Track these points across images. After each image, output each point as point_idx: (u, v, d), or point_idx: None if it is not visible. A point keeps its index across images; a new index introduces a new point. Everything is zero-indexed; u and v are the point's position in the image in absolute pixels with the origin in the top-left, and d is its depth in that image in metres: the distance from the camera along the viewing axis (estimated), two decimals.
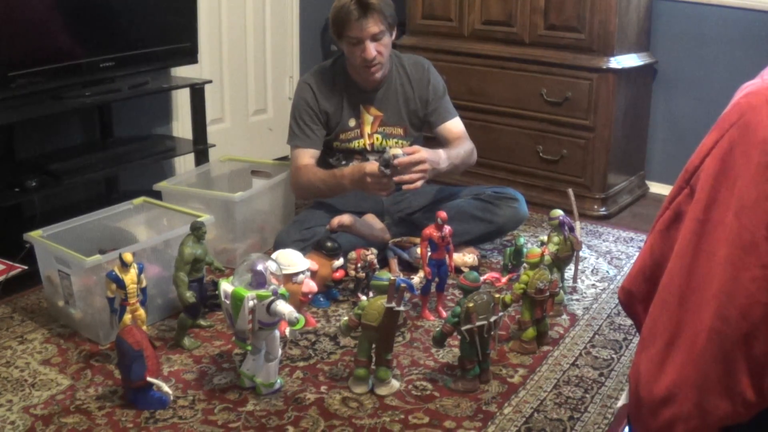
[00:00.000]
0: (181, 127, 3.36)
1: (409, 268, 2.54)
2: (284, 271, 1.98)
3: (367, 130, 2.65)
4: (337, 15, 2.45)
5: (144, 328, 1.95)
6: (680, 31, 3.35)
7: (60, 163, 2.66)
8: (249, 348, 1.83)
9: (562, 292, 2.33)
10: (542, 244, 2.36)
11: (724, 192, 1.07)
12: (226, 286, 1.82)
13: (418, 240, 2.35)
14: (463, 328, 1.84)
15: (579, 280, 2.53)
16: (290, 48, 3.92)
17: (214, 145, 3.13)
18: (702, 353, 1.07)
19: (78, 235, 2.30)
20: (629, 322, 2.21)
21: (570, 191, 2.54)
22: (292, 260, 2.09)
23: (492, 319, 1.88)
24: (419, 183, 2.38)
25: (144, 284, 1.98)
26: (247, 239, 2.64)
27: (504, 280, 2.49)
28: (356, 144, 2.65)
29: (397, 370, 1.96)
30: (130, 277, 1.92)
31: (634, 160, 3.47)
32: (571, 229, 2.33)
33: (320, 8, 3.82)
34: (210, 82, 3.14)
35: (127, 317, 1.93)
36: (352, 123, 2.64)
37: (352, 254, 2.35)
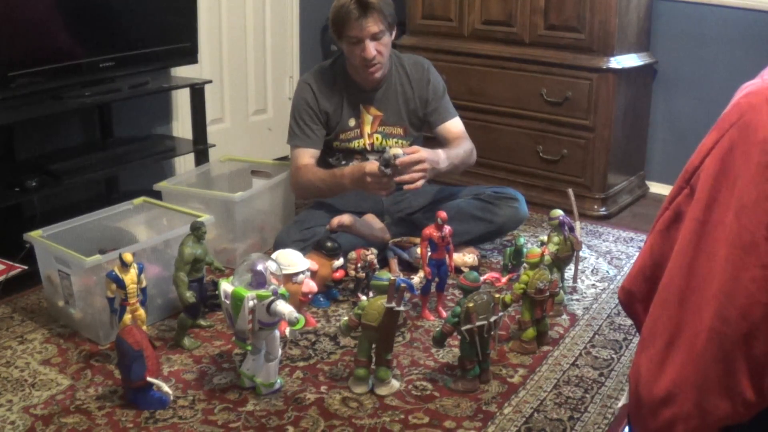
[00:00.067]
0: (181, 127, 3.36)
1: (409, 268, 2.54)
2: (284, 271, 1.98)
3: (367, 129, 2.65)
4: (337, 14, 2.45)
5: (144, 328, 1.95)
6: (680, 31, 3.35)
7: (60, 163, 2.66)
8: (249, 348, 1.83)
9: (562, 292, 2.33)
10: (542, 244, 2.36)
11: (724, 192, 1.07)
12: (226, 286, 1.82)
13: (418, 240, 2.35)
14: (463, 328, 1.84)
15: (579, 280, 2.53)
16: (290, 48, 3.92)
17: (214, 145, 3.13)
18: (702, 353, 1.07)
19: (78, 235, 2.30)
20: (629, 322, 2.21)
21: (570, 191, 2.54)
22: (292, 260, 2.09)
23: (492, 319, 1.88)
24: (420, 183, 2.38)
25: (144, 284, 1.98)
26: (247, 239, 2.64)
27: (504, 280, 2.49)
28: (356, 144, 2.65)
29: (397, 370, 1.96)
30: (130, 277, 1.92)
31: (634, 160, 3.47)
32: (571, 229, 2.33)
33: (320, 8, 3.82)
34: (210, 82, 3.14)
35: (127, 317, 1.93)
36: (351, 123, 2.64)
37: (352, 254, 2.35)
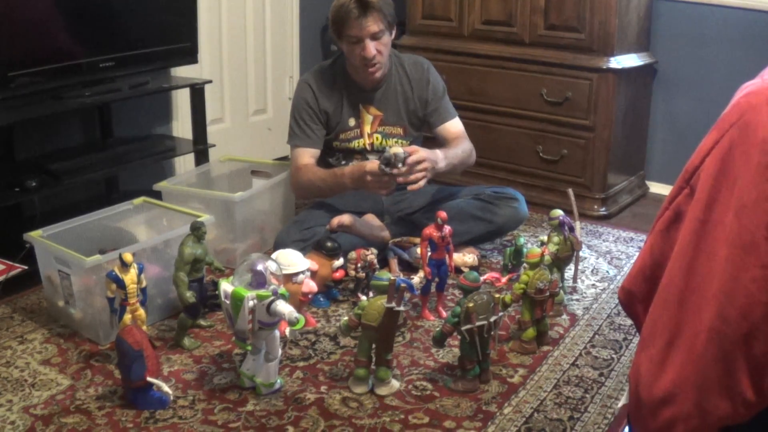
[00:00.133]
0: (181, 127, 3.36)
1: (409, 268, 2.54)
2: (284, 271, 1.98)
3: (367, 129, 2.65)
4: (337, 14, 2.45)
5: (144, 328, 1.95)
6: (680, 31, 3.35)
7: (60, 163, 2.66)
8: (249, 348, 1.83)
9: (562, 292, 2.33)
10: (542, 244, 2.36)
11: (724, 192, 1.07)
12: (226, 286, 1.82)
13: (418, 240, 2.35)
14: (463, 328, 1.84)
15: (579, 280, 2.53)
16: (290, 48, 3.92)
17: (214, 145, 3.13)
18: (702, 353, 1.07)
19: (78, 235, 2.30)
20: (629, 322, 2.21)
21: (570, 191, 2.54)
22: (292, 260, 2.09)
23: (492, 319, 1.88)
24: (422, 183, 2.39)
25: (144, 284, 1.98)
26: (247, 239, 2.64)
27: (504, 280, 2.49)
28: (356, 144, 2.65)
29: (397, 370, 1.96)
30: (130, 277, 1.92)
31: (634, 160, 3.47)
32: (571, 229, 2.33)
33: (320, 8, 3.82)
34: (210, 82, 3.14)
35: (127, 317, 1.93)
36: (351, 122, 2.64)
37: (352, 254, 2.35)
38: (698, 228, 1.10)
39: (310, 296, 2.11)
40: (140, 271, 1.96)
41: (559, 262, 2.30)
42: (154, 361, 1.78)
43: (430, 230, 2.20)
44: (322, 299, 2.33)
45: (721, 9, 3.22)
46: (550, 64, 3.21)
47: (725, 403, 1.07)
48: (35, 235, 2.19)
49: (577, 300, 2.41)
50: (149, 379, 1.75)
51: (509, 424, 1.76)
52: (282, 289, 1.82)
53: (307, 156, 2.60)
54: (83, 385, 1.89)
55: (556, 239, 2.29)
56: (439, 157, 2.46)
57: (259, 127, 3.84)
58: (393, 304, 1.78)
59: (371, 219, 2.57)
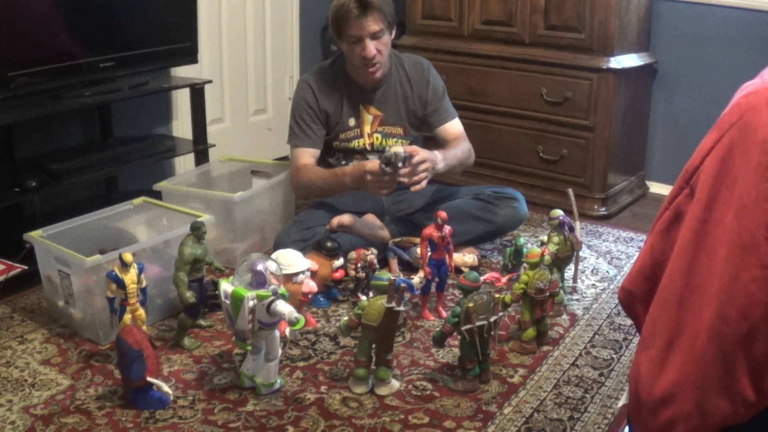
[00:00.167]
0: (181, 127, 3.36)
1: (409, 268, 2.54)
2: (284, 271, 1.98)
3: (367, 129, 2.65)
4: (337, 13, 2.45)
5: (144, 328, 1.95)
6: (680, 31, 3.35)
7: (60, 163, 2.66)
8: (249, 348, 1.83)
9: (562, 292, 2.33)
10: (542, 244, 2.36)
11: (724, 192, 1.07)
12: (226, 286, 1.82)
13: (418, 240, 2.35)
14: (463, 328, 1.84)
15: (579, 280, 2.53)
16: (290, 48, 3.92)
17: (214, 145, 3.13)
18: (702, 353, 1.07)
19: (78, 235, 2.30)
20: (629, 322, 2.21)
21: (570, 191, 2.54)
22: (292, 260, 2.09)
23: (492, 319, 1.88)
24: (424, 183, 2.39)
25: (144, 284, 1.98)
26: (247, 239, 2.64)
27: (504, 280, 2.49)
28: (356, 143, 2.65)
29: (397, 370, 1.96)
30: (130, 277, 1.92)
31: (634, 160, 3.47)
32: (571, 229, 2.33)
33: (320, 8, 3.82)
34: (210, 82, 3.14)
35: (127, 317, 1.93)
36: (351, 122, 2.64)
37: (352, 254, 2.35)
38: (698, 228, 1.10)
39: (310, 296, 2.11)
40: (140, 271, 1.96)
41: (559, 262, 2.30)
42: (154, 361, 1.78)
43: (430, 230, 2.20)
44: (322, 299, 2.33)
45: (721, 9, 3.22)
46: (550, 64, 3.21)
47: (725, 403, 1.07)
48: (35, 235, 2.19)
49: (577, 300, 2.41)
50: (149, 379, 1.75)
51: (509, 424, 1.76)
52: (282, 289, 1.82)
53: (308, 156, 2.60)
54: (83, 385, 1.89)
55: (556, 239, 2.29)
56: (438, 158, 2.46)
57: (259, 127, 3.84)
58: (393, 304, 1.78)
59: (371, 219, 2.57)
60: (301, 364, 2.00)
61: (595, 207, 3.21)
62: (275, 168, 2.94)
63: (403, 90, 2.66)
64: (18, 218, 2.67)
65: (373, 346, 1.86)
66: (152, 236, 2.42)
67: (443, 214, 2.19)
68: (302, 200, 2.92)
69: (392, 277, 1.82)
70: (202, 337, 2.13)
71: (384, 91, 2.64)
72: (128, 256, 1.92)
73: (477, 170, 3.37)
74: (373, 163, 2.38)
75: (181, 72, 3.17)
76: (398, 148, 2.37)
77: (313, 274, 2.17)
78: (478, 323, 1.84)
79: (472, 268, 2.51)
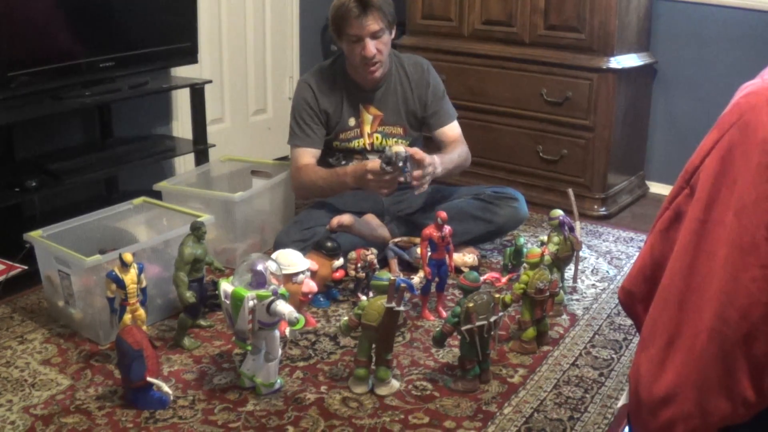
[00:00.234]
0: (181, 127, 3.36)
1: (409, 268, 2.54)
2: (284, 271, 1.98)
3: (367, 129, 2.65)
4: (337, 13, 2.45)
5: (144, 328, 1.95)
6: (680, 31, 3.35)
7: (60, 163, 2.66)
8: (249, 348, 1.83)
9: (562, 292, 2.33)
10: (542, 244, 2.36)
11: (724, 192, 1.07)
12: (226, 286, 1.82)
13: (418, 240, 2.35)
14: (463, 328, 1.84)
15: (579, 280, 2.53)
16: (290, 48, 3.92)
17: (214, 145, 3.13)
18: (702, 353, 1.07)
19: (78, 235, 2.30)
20: (629, 322, 2.21)
21: (570, 191, 2.54)
22: (292, 260, 2.09)
23: (492, 319, 1.88)
24: (425, 186, 2.41)
25: (144, 284, 1.98)
26: (247, 239, 2.64)
27: (504, 280, 2.49)
28: (356, 143, 2.65)
29: (397, 370, 1.96)
30: (130, 277, 1.92)
31: (634, 160, 3.47)
32: (571, 229, 2.33)
33: (320, 8, 3.82)
34: (210, 82, 3.14)
35: (127, 317, 1.93)
36: (351, 122, 2.64)
37: (352, 254, 2.35)
38: (698, 228, 1.10)
39: (310, 296, 2.11)
40: (140, 271, 1.96)
41: (559, 262, 2.30)
42: (154, 361, 1.78)
43: (430, 230, 2.20)
44: (322, 299, 2.33)
45: (721, 9, 3.22)
46: (550, 64, 3.21)
47: (725, 403, 1.07)
48: (35, 235, 2.19)
49: (577, 300, 2.41)
50: (149, 379, 1.75)
51: (509, 424, 1.76)
52: (282, 289, 1.82)
53: (308, 156, 2.60)
54: (83, 385, 1.89)
55: (556, 239, 2.29)
56: (437, 162, 2.47)
57: (259, 127, 3.84)
58: (393, 304, 1.78)
59: (371, 219, 2.57)
60: (301, 364, 2.00)
61: (595, 207, 3.21)
62: (275, 168, 2.94)
63: (403, 90, 2.66)
64: (18, 218, 2.67)
65: (373, 346, 1.86)
66: (152, 236, 2.42)
67: (443, 214, 2.19)
68: (302, 200, 2.92)
69: (392, 277, 1.82)
70: (202, 337, 2.13)
71: (384, 91, 2.64)
72: (128, 256, 1.92)
73: (477, 170, 3.37)
74: (374, 162, 2.38)
75: (181, 72, 3.17)
76: (399, 147, 2.38)
77: (313, 274, 2.17)
78: (478, 323, 1.84)
79: (472, 268, 2.51)
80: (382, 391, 1.86)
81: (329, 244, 2.29)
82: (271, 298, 1.75)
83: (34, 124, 2.79)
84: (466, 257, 2.55)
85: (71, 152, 2.85)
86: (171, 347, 2.08)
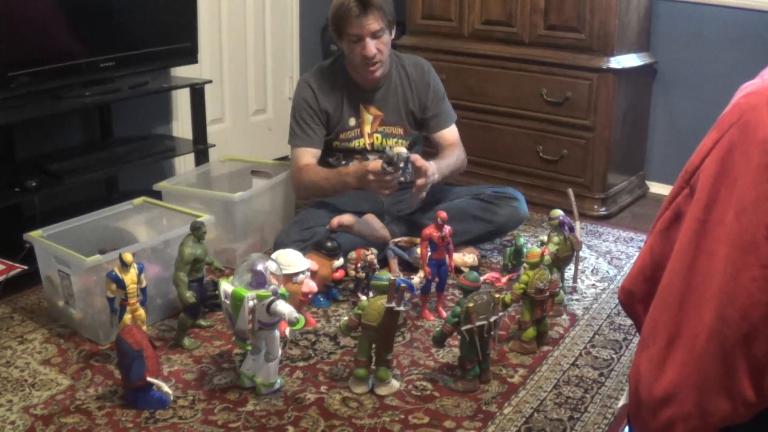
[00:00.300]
0: (181, 127, 3.36)
1: (409, 268, 2.54)
2: (284, 271, 1.98)
3: (367, 129, 2.65)
4: (337, 12, 2.45)
5: (144, 328, 1.95)
6: (680, 31, 3.35)
7: (60, 163, 2.66)
8: (249, 348, 1.83)
9: (562, 292, 2.33)
10: (542, 244, 2.36)
11: (724, 192, 1.07)
12: (226, 286, 1.82)
13: (418, 240, 2.35)
14: (463, 328, 1.84)
15: (579, 280, 2.53)
16: (290, 48, 3.92)
17: (214, 145, 3.13)
18: (702, 353, 1.07)
19: (78, 235, 2.30)
20: (629, 322, 2.21)
21: (570, 191, 2.54)
22: (292, 260, 2.09)
23: (492, 319, 1.88)
24: (424, 195, 2.44)
25: (144, 284, 1.98)
26: (247, 239, 2.64)
27: (504, 280, 2.49)
28: (356, 143, 2.65)
29: (397, 370, 1.96)
30: (130, 277, 1.92)
31: (634, 160, 3.47)
32: (571, 229, 2.33)
33: (320, 8, 3.82)
34: (210, 82, 3.14)
35: (127, 317, 1.93)
36: (352, 122, 2.64)
37: (352, 254, 2.35)
38: (698, 228, 1.10)
39: (310, 296, 2.11)
40: (140, 271, 1.96)
41: (559, 262, 2.30)
42: (154, 361, 1.78)
43: (430, 230, 2.20)
44: (322, 299, 2.33)
45: (721, 9, 3.22)
46: (550, 64, 3.21)
47: (725, 403, 1.07)
48: (35, 235, 2.19)
49: (577, 300, 2.41)
50: (149, 379, 1.75)
51: (509, 424, 1.76)
52: (282, 289, 1.82)
53: (308, 156, 2.60)
54: (83, 385, 1.89)
55: (556, 239, 2.29)
56: (433, 168, 2.48)
57: (259, 127, 3.84)
58: (393, 304, 1.78)
59: (371, 219, 2.57)
60: (301, 364, 2.00)
61: (595, 207, 3.21)
62: (275, 168, 2.94)
63: (404, 90, 2.66)
64: (18, 218, 2.67)
65: (373, 346, 1.86)
66: (152, 236, 2.42)
67: (443, 214, 2.19)
68: (302, 200, 2.92)
69: (392, 277, 1.82)
70: (202, 337, 2.13)
71: (384, 91, 2.64)
72: (128, 256, 1.92)
73: (477, 170, 3.37)
74: (375, 163, 2.38)
75: (181, 72, 3.17)
76: (401, 148, 2.38)
77: (313, 274, 2.17)
78: (478, 323, 1.84)
79: (472, 268, 2.51)
80: (382, 391, 1.86)
81: (329, 244, 2.29)
82: (271, 298, 1.75)
83: (34, 124, 2.79)
84: (466, 257, 2.55)
85: (71, 152, 2.85)
86: (171, 347, 2.08)
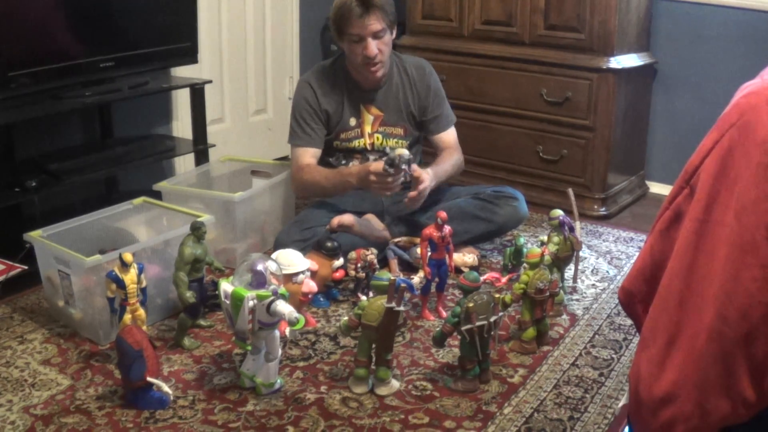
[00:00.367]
0: (181, 127, 3.36)
1: (409, 268, 2.54)
2: (284, 271, 1.98)
3: (368, 129, 2.65)
4: (339, 12, 2.45)
5: (144, 328, 1.95)
6: (680, 31, 3.35)
7: (60, 163, 2.66)
8: (249, 348, 1.83)
9: (562, 292, 2.33)
10: (542, 244, 2.36)
11: (724, 192, 1.08)
12: (226, 286, 1.82)
13: (418, 240, 2.35)
14: (463, 328, 1.84)
15: (579, 280, 2.53)
16: (290, 48, 3.92)
17: (214, 145, 3.13)
18: (702, 353, 1.07)
19: (78, 235, 2.30)
20: (629, 322, 2.21)
21: (570, 191, 2.54)
22: (292, 260, 2.09)
23: (492, 319, 1.88)
24: (419, 204, 2.47)
25: (144, 284, 1.98)
26: (247, 239, 2.64)
27: (504, 280, 2.49)
28: (357, 143, 2.65)
29: (397, 370, 1.96)
30: (130, 277, 1.92)
31: (634, 160, 3.47)
32: (571, 229, 2.33)
33: (320, 8, 3.82)
34: (210, 82, 3.14)
35: (127, 317, 1.93)
36: (352, 122, 2.64)
37: (352, 254, 2.35)
38: (698, 228, 1.10)
39: (310, 296, 2.11)
40: (140, 271, 1.96)
41: (559, 262, 2.30)
42: (154, 361, 1.78)
43: (430, 230, 2.20)
44: (322, 299, 2.33)
45: (721, 9, 3.22)
46: (550, 64, 3.21)
47: (725, 403, 1.07)
48: (35, 235, 2.19)
49: (577, 300, 2.41)
50: (149, 379, 1.75)
51: (509, 424, 1.76)
52: (282, 289, 1.82)
53: (309, 156, 2.60)
54: (83, 385, 1.89)
55: (556, 239, 2.29)
56: (430, 176, 2.49)
57: (259, 127, 3.84)
58: (393, 304, 1.78)
59: (371, 219, 2.57)
60: (301, 364, 2.00)
61: (595, 207, 3.21)
62: (275, 168, 2.94)
63: (404, 91, 2.66)
64: (18, 218, 2.67)
65: (373, 346, 1.86)
66: (152, 236, 2.42)
67: (443, 214, 2.19)
68: (302, 200, 2.92)
69: (392, 277, 1.82)
70: (202, 337, 2.13)
71: (385, 92, 2.64)
72: (128, 256, 1.92)
73: (477, 170, 3.37)
74: (377, 164, 2.38)
75: (181, 72, 3.17)
76: (403, 150, 2.38)
77: (313, 274, 2.17)
78: (478, 323, 1.84)
79: (472, 268, 2.51)
80: (382, 391, 1.86)
81: (329, 244, 2.29)
82: (271, 298, 1.75)
83: (34, 124, 2.79)
84: (466, 257, 2.55)
85: (71, 152, 2.85)
86: (171, 347, 2.08)
